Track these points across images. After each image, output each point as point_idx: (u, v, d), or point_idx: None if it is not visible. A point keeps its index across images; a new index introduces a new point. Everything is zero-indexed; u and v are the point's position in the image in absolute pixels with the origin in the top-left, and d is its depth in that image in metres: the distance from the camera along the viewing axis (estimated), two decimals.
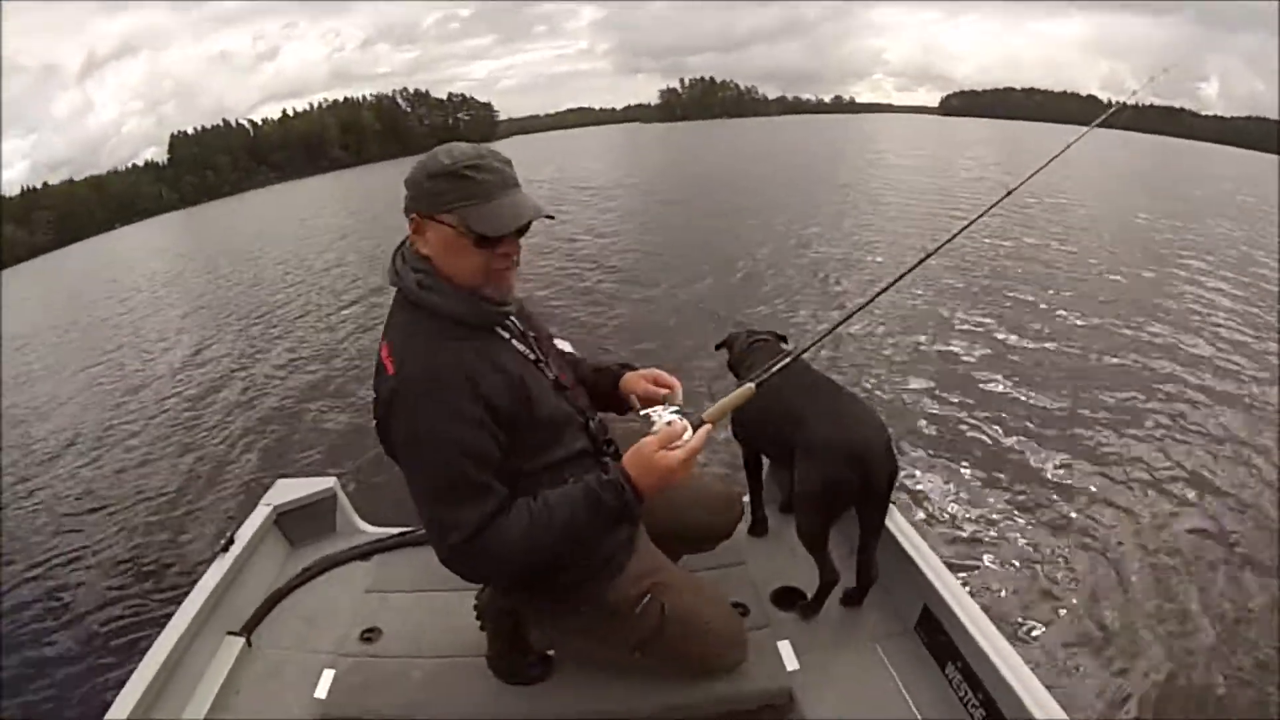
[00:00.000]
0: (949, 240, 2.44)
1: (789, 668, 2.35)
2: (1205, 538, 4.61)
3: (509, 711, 2.30)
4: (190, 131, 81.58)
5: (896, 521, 2.60)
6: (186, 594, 2.54)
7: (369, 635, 2.58)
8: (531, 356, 1.88)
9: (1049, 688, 1.95)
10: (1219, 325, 8.79)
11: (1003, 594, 4.14)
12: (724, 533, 2.43)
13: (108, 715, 2.01)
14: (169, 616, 2.51)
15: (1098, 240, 13.82)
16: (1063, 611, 4.01)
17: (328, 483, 3.20)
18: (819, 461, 2.35)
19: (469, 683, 2.36)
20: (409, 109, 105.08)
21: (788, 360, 1.93)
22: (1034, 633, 3.86)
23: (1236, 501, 5.00)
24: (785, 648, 2.41)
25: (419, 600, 2.76)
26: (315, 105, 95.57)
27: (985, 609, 2.29)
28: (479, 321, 1.75)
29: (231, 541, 2.77)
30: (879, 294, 2.34)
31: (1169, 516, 4.84)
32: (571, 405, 1.93)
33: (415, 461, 1.70)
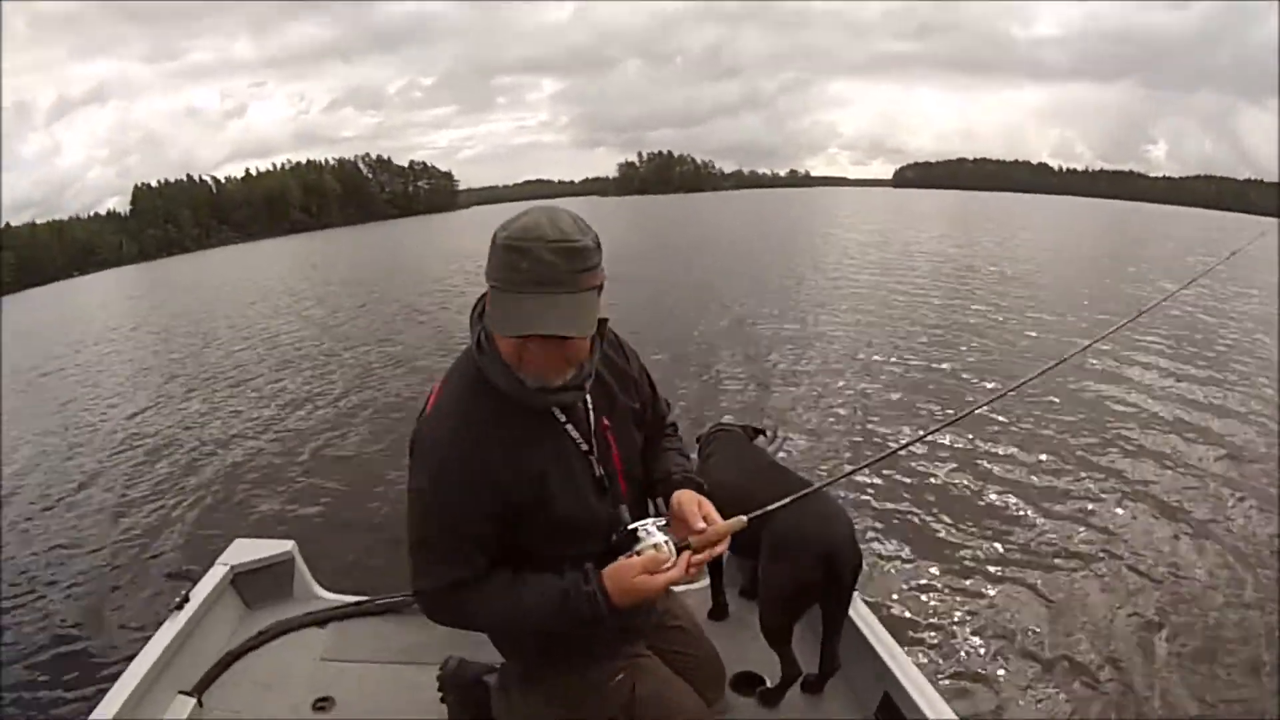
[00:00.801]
0: (1028, 379, 2.46)
1: None
2: (1174, 620, 4.68)
3: None
4: (154, 184, 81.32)
5: (857, 608, 2.61)
6: (138, 651, 2.53)
7: (322, 705, 2.58)
8: (584, 447, 1.79)
9: None
10: (1177, 413, 8.61)
11: (968, 679, 4.18)
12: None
13: None
14: (119, 673, 2.55)
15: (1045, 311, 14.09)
16: (1029, 697, 4.08)
17: (286, 545, 3.16)
18: (786, 563, 2.39)
19: None
20: (370, 175, 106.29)
21: (791, 499, 1.88)
22: (1001, 715, 3.94)
23: (1202, 583, 5.11)
24: None
25: (375, 672, 2.73)
26: (279, 165, 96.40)
27: (946, 695, 2.36)
28: (521, 402, 1.67)
29: (186, 599, 2.75)
30: (920, 437, 2.59)
31: (1142, 596, 4.95)
32: (608, 509, 1.85)
33: (410, 507, 1.71)
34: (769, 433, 3.39)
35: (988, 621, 4.66)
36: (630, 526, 1.78)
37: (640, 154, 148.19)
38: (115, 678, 2.42)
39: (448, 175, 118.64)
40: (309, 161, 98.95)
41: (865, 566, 4.61)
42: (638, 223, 52.23)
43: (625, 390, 1.90)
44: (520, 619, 1.76)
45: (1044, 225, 43.34)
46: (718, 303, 15.45)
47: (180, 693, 2.49)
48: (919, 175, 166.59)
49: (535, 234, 1.44)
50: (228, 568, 2.97)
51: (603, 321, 1.67)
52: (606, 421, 1.82)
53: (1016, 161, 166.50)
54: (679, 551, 1.70)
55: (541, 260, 1.43)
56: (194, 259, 53.85)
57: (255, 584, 3.07)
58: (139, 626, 4.55)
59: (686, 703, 2.04)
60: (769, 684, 2.54)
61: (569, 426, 1.74)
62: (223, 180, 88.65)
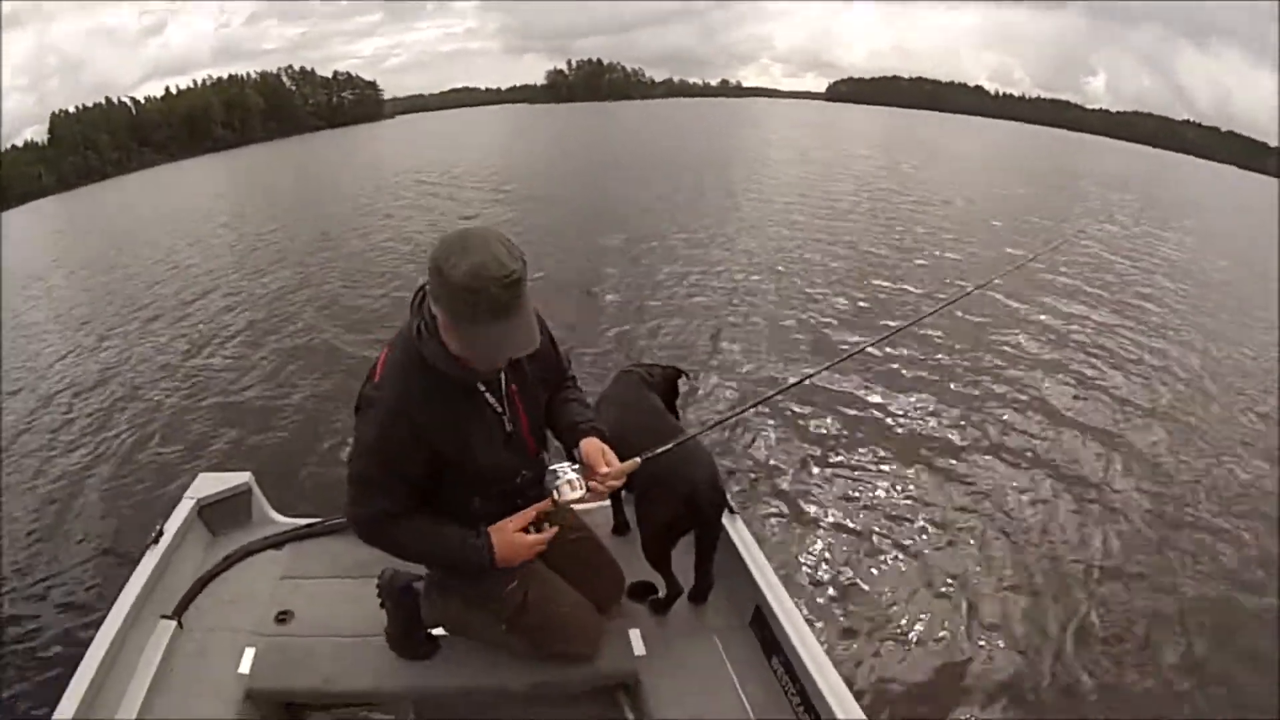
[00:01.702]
0: (916, 320, 2.97)
1: (637, 653, 2.63)
2: (1019, 558, 5.03)
3: (405, 682, 2.58)
4: (72, 110, 76.07)
5: (737, 529, 2.89)
6: (123, 582, 2.73)
7: (283, 617, 2.80)
8: (499, 410, 2.16)
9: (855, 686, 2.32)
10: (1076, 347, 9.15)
11: (834, 597, 4.55)
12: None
13: (66, 693, 2.25)
14: (104, 600, 2.91)
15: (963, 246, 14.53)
16: (876, 616, 4.42)
17: (244, 477, 3.38)
18: (656, 504, 2.64)
19: (371, 658, 2.62)
20: (294, 87, 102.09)
21: (676, 441, 2.33)
22: (851, 630, 4.29)
23: (1061, 524, 5.44)
24: (635, 635, 2.69)
25: (326, 585, 2.99)
26: (199, 82, 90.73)
27: (807, 615, 2.70)
28: (454, 378, 2.02)
29: (161, 533, 2.96)
30: (811, 375, 2.88)
31: (996, 535, 5.25)
32: (517, 457, 2.25)
33: (356, 450, 2.09)
34: (689, 375, 3.54)
35: (856, 546, 5.05)
36: (551, 468, 2.18)
37: (569, 61, 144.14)
38: (102, 608, 2.72)
39: (372, 85, 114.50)
40: (230, 77, 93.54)
41: (751, 487, 5.64)
42: (563, 132, 51.71)
43: (533, 360, 2.19)
44: (428, 553, 2.22)
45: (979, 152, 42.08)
46: (621, 222, 15.80)
47: (162, 617, 2.72)
48: (853, 90, 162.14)
49: (486, 275, 1.71)
50: (194, 501, 3.21)
51: None
52: (514, 387, 2.19)
53: (953, 83, 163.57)
54: (587, 488, 2.15)
55: (496, 298, 1.73)
56: (114, 184, 50.48)
57: (219, 514, 3.30)
58: (119, 560, 4.85)
59: (569, 601, 2.46)
60: (661, 594, 2.83)
61: (486, 394, 2.13)
62: (142, 101, 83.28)
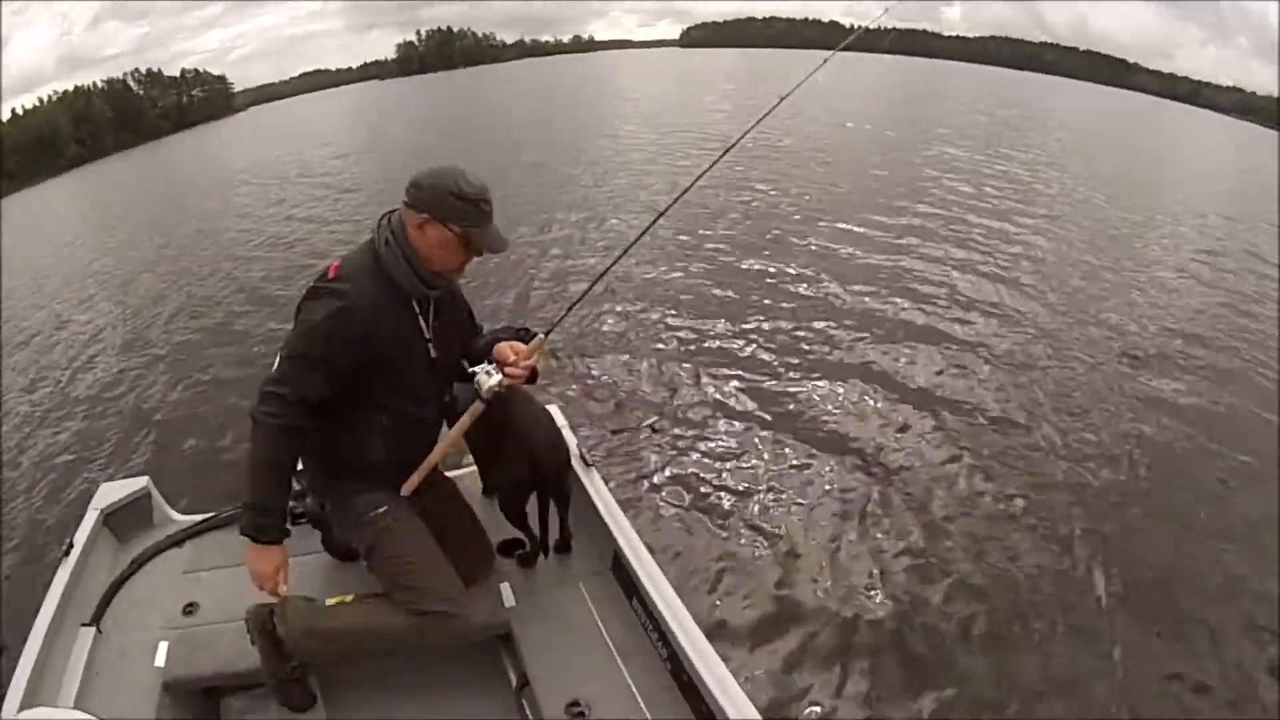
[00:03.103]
0: (672, 204, 3.06)
1: (508, 605, 2.85)
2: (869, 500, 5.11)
3: None
4: None
5: (593, 481, 3.13)
6: (41, 597, 2.82)
7: (189, 609, 2.95)
8: (426, 335, 2.45)
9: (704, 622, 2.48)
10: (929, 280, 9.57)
11: (678, 544, 4.68)
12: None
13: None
14: (19, 613, 3.08)
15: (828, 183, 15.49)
16: (719, 556, 4.57)
17: (141, 482, 3.49)
18: (501, 466, 2.92)
19: None
20: (141, 91, 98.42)
21: (537, 340, 2.59)
22: (697, 571, 4.45)
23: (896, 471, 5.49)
24: (506, 589, 2.91)
25: (225, 574, 3.14)
26: (45, 99, 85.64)
27: (662, 555, 3.03)
28: (405, 290, 2.32)
29: (71, 546, 3.06)
30: (603, 274, 2.90)
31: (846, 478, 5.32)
32: (435, 385, 2.58)
33: (297, 329, 2.25)
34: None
35: (700, 493, 5.15)
36: (471, 370, 2.53)
37: (419, 32, 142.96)
38: (19, 619, 2.83)
39: (221, 79, 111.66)
40: (76, 89, 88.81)
41: (598, 432, 5.92)
42: (412, 106, 53.10)
43: (453, 303, 2.63)
44: (257, 470, 2.30)
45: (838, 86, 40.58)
46: None
47: (82, 625, 2.82)
48: (706, 35, 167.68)
49: (485, 190, 2.26)
50: (99, 511, 3.29)
51: None
52: (436, 322, 2.51)
53: (806, 20, 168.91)
54: (503, 375, 2.48)
55: (491, 204, 2.27)
56: None
57: (123, 519, 3.40)
58: (34, 574, 4.72)
59: (426, 554, 2.55)
60: (527, 548, 3.03)
61: (420, 318, 2.44)
62: None
